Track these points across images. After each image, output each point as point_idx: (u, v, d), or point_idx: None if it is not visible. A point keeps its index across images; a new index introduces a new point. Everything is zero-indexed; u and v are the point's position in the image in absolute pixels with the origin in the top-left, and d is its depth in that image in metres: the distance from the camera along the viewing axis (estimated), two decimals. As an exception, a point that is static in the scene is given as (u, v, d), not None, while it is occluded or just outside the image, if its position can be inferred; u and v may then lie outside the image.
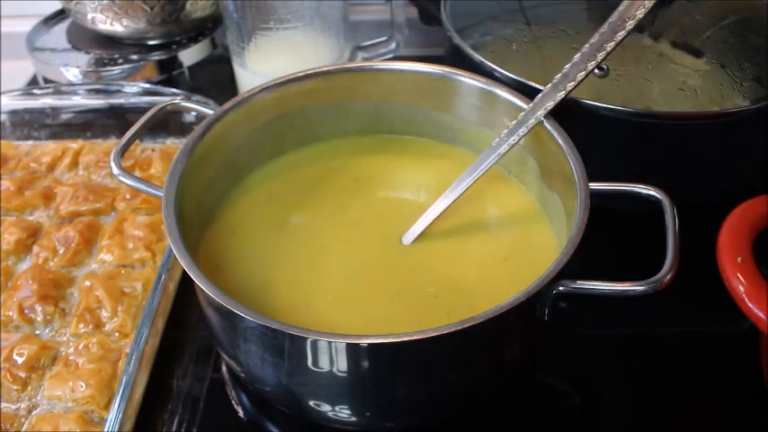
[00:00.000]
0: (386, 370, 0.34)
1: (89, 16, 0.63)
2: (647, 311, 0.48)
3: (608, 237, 0.49)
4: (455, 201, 0.43)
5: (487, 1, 0.62)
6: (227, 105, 0.44)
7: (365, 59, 0.63)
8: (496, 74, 0.48)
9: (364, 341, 0.31)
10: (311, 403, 0.37)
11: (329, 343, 0.31)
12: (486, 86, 0.46)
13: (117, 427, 0.36)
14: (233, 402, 0.44)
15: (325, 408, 0.37)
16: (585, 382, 0.45)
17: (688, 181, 0.50)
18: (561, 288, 0.34)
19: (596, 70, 0.47)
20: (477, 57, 0.50)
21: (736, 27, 0.58)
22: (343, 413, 0.37)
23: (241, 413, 0.43)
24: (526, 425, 0.43)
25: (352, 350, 0.32)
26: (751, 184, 0.47)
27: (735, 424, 0.42)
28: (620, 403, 0.44)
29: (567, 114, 0.43)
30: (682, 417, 0.43)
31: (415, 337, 0.30)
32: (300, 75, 0.46)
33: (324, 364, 0.33)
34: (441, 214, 0.43)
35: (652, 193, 0.38)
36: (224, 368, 0.44)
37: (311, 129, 0.49)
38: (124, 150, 0.41)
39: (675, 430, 0.42)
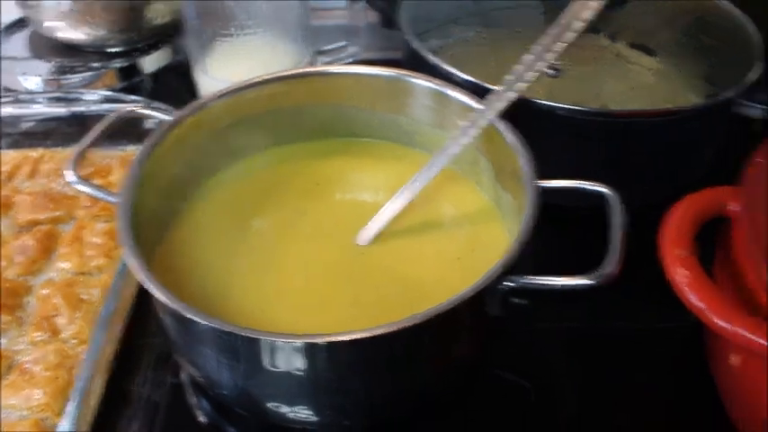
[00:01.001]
0: (334, 369, 0.34)
1: (48, 24, 0.63)
2: (603, 307, 0.49)
3: (564, 234, 0.50)
4: (409, 202, 0.43)
5: (447, 2, 0.62)
6: (183, 111, 0.44)
7: (326, 63, 0.63)
8: (453, 77, 0.49)
9: (299, 341, 0.32)
10: (269, 405, 0.37)
11: (272, 342, 0.32)
12: (437, 88, 0.46)
13: (70, 432, 0.36)
14: (193, 407, 0.44)
15: (284, 409, 0.37)
16: (540, 377, 0.46)
17: (642, 179, 0.52)
18: (510, 284, 0.35)
19: (549, 71, 0.48)
20: (433, 59, 0.50)
21: (688, 27, 0.59)
22: (302, 413, 0.37)
23: (201, 418, 0.43)
24: (482, 420, 0.43)
25: (294, 350, 0.32)
26: (705, 181, 0.48)
27: (681, 416, 0.43)
28: (572, 397, 0.44)
29: (522, 115, 0.44)
30: (631, 409, 0.44)
31: (355, 336, 0.31)
32: (256, 81, 0.47)
33: (274, 364, 0.33)
34: (395, 215, 0.43)
35: (599, 189, 0.39)
36: (183, 373, 0.44)
37: (270, 133, 0.50)
38: (79, 158, 0.41)
39: (624, 423, 0.43)
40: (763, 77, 0.50)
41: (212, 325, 0.32)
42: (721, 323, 0.32)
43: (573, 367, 0.46)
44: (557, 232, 0.45)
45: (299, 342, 0.31)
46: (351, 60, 0.65)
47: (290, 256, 0.43)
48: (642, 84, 0.53)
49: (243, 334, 0.32)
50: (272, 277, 0.42)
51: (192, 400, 0.44)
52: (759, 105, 0.49)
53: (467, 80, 0.48)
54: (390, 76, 0.47)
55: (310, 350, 0.32)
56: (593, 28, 0.56)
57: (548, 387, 0.45)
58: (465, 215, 0.46)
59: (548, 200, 0.39)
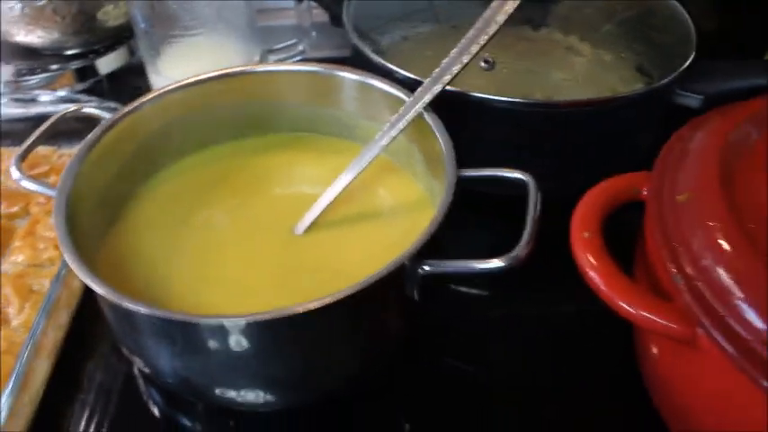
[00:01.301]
0: (256, 348, 0.36)
1: (5, 29, 0.64)
2: (539, 291, 0.51)
3: (493, 222, 0.52)
4: (341, 192, 0.45)
5: (394, 2, 0.63)
6: (125, 109, 0.46)
7: (274, 62, 0.65)
8: (394, 73, 0.51)
9: (216, 320, 0.34)
10: (217, 391, 0.39)
11: (195, 324, 0.34)
12: (366, 81, 0.48)
13: (6, 412, 0.38)
14: (144, 395, 0.46)
15: (231, 393, 0.39)
16: (476, 362, 0.48)
17: (579, 167, 0.53)
18: (426, 267, 0.36)
19: (483, 64, 0.50)
20: (373, 56, 0.52)
21: (628, 19, 0.61)
22: (248, 396, 0.39)
23: (153, 406, 0.45)
24: (416, 402, 0.46)
25: (215, 330, 0.34)
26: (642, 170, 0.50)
27: (607, 402, 0.45)
28: (504, 380, 0.47)
29: (455, 107, 0.46)
30: (561, 392, 0.46)
31: (274, 316, 0.33)
32: (191, 81, 0.49)
33: (202, 347, 0.35)
34: (328, 205, 0.45)
35: (517, 176, 0.40)
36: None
37: (213, 130, 0.51)
38: (24, 156, 0.43)
39: (554, 406, 0.45)
40: (701, 68, 0.51)
41: (142, 310, 0.34)
42: (619, 301, 0.34)
43: (509, 352, 0.49)
44: (485, 220, 0.47)
45: (216, 321, 0.34)
46: (299, 58, 0.67)
47: (229, 248, 0.45)
48: (581, 75, 0.55)
49: (167, 317, 0.34)
50: (212, 268, 0.44)
51: (144, 388, 0.46)
52: (696, 95, 0.51)
53: (407, 77, 0.50)
54: (323, 73, 0.49)
55: (228, 330, 0.34)
56: (533, 21, 0.57)
57: (482, 372, 0.47)
58: (401, 204, 0.48)
59: (478, 189, 0.41)
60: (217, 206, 0.48)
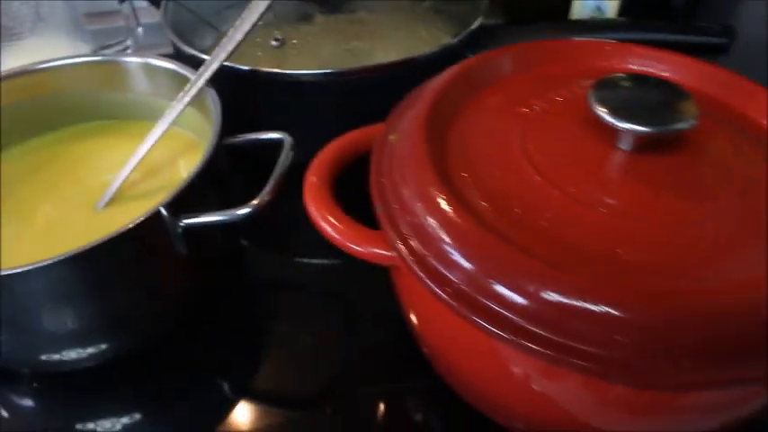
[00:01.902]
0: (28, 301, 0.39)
1: None
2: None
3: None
4: (136, 166, 0.49)
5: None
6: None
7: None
8: (197, 58, 0.54)
9: None
10: (43, 357, 0.43)
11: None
12: (156, 64, 0.53)
13: None
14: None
15: (54, 357, 0.43)
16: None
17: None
18: (185, 222, 0.41)
19: (273, 41, 0.54)
20: (180, 44, 0.57)
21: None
22: (71, 354, 0.43)
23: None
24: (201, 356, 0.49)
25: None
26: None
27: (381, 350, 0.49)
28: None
29: (247, 82, 0.51)
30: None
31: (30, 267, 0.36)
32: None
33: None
34: (124, 179, 0.49)
35: (276, 136, 0.45)
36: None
37: (33, 122, 0.55)
38: None
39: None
40: (490, 31, 0.56)
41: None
42: (330, 229, 0.38)
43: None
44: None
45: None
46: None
47: (38, 226, 0.48)
48: (357, 47, 0.59)
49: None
50: (22, 244, 0.47)
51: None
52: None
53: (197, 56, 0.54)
54: (120, 62, 0.53)
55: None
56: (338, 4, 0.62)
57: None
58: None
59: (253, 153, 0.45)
60: (32, 190, 0.51)
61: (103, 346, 0.44)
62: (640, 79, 0.37)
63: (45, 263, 0.36)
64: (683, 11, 0.69)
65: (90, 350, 0.43)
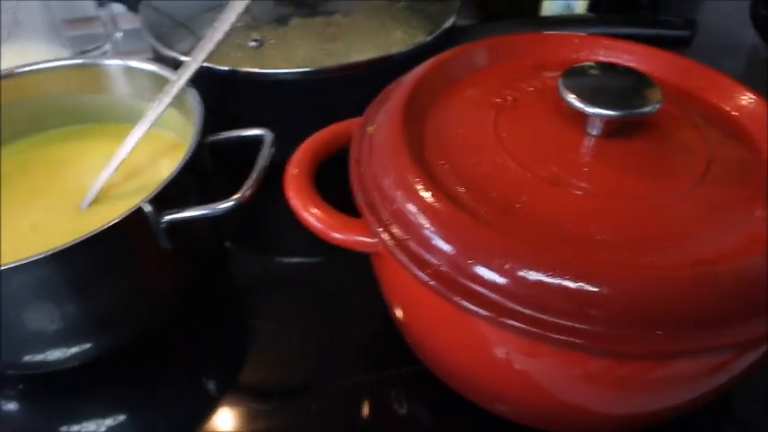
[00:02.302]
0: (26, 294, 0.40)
1: None
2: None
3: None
4: (118, 166, 0.50)
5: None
6: None
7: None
8: (177, 59, 0.55)
9: None
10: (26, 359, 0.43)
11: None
12: (136, 66, 0.54)
13: None
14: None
15: (38, 357, 0.43)
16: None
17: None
18: (168, 217, 0.41)
19: (252, 42, 0.55)
20: (159, 46, 0.57)
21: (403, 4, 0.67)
22: (54, 355, 0.43)
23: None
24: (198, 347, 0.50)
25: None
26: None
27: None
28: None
29: (227, 82, 0.52)
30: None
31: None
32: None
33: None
34: (106, 180, 0.49)
35: (256, 132, 0.46)
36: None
37: (14, 126, 0.56)
38: None
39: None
40: (462, 30, 0.58)
41: None
42: (311, 218, 0.39)
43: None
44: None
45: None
46: (107, 59, 0.71)
47: (22, 230, 0.49)
48: (332, 48, 0.60)
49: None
50: (7, 246, 0.47)
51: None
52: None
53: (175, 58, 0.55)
54: (101, 65, 0.54)
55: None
56: (315, 7, 0.63)
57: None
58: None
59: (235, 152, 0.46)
60: (18, 192, 0.52)
61: (88, 346, 0.44)
62: (607, 68, 0.39)
63: (28, 260, 0.37)
64: (647, 6, 0.72)
65: (74, 350, 0.44)
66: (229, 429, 0.45)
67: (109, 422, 0.46)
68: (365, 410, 0.46)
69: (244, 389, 0.47)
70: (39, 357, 0.43)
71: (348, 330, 0.51)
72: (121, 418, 0.46)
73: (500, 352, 0.34)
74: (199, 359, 0.50)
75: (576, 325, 0.30)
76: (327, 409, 0.45)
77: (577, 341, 0.30)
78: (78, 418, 0.46)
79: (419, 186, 0.34)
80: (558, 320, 0.30)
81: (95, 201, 0.50)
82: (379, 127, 0.39)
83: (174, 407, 0.46)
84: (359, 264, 0.42)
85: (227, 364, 0.49)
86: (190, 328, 0.51)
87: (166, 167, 0.52)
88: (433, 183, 0.34)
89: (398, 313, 0.40)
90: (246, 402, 0.46)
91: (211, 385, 0.48)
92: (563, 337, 0.30)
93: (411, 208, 0.34)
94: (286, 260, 0.58)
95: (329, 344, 0.50)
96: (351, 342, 0.50)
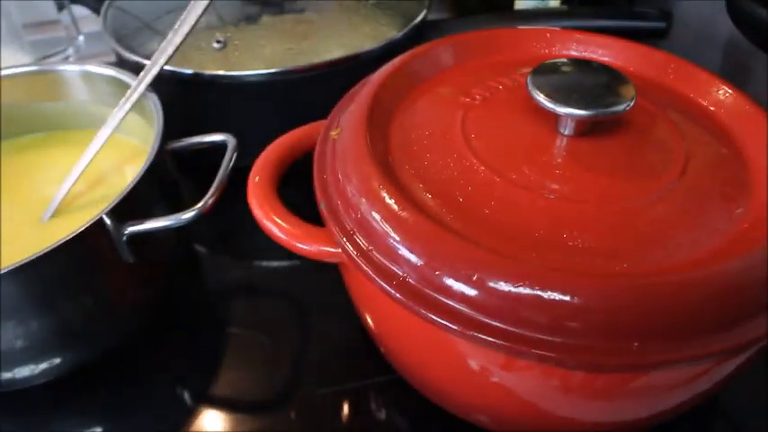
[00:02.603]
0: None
1: None
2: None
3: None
4: (80, 176, 0.48)
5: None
6: None
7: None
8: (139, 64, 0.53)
9: None
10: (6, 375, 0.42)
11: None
12: (95, 72, 0.52)
13: None
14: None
15: (6, 375, 0.42)
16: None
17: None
18: (129, 229, 0.40)
19: (216, 43, 0.54)
20: (119, 48, 0.55)
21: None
22: (41, 366, 0.42)
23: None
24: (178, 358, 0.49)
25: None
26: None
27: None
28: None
29: (190, 86, 0.50)
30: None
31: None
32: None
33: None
34: (67, 191, 0.48)
35: (219, 138, 0.44)
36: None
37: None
38: None
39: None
40: (433, 25, 0.56)
41: None
42: (272, 226, 0.37)
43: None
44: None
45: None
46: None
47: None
48: (296, 48, 0.59)
49: None
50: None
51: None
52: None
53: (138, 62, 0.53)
54: (46, 70, 0.52)
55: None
56: (281, 6, 0.61)
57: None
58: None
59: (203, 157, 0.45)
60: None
61: (57, 361, 0.43)
62: (578, 64, 0.38)
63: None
64: (623, -1, 0.70)
65: (43, 366, 0.42)
66: (208, 439, 0.42)
67: (86, 436, 0.43)
68: (344, 418, 0.45)
69: (220, 398, 0.46)
70: (7, 376, 0.42)
71: (326, 337, 0.50)
72: (98, 431, 0.45)
73: (472, 365, 0.33)
74: (174, 369, 0.48)
75: (550, 338, 0.29)
76: (306, 416, 0.45)
77: (551, 355, 0.28)
78: (55, 435, 0.43)
79: (383, 193, 0.33)
80: (530, 333, 0.29)
81: (58, 211, 0.48)
82: (342, 131, 0.38)
83: (150, 418, 0.45)
84: (337, 269, 0.40)
85: (203, 374, 0.48)
86: (163, 337, 0.50)
87: (131, 175, 0.49)
88: (397, 189, 0.33)
89: (368, 324, 0.39)
90: (224, 411, 0.45)
91: (188, 395, 0.47)
92: (536, 351, 0.29)
93: (375, 216, 0.32)
94: (264, 264, 0.56)
95: (307, 351, 0.49)
96: (329, 349, 0.49)
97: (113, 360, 0.47)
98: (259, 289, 0.54)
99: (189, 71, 0.51)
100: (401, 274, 0.31)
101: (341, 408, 0.45)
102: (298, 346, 0.49)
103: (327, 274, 0.47)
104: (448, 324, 0.30)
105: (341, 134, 0.38)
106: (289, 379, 0.47)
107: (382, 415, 0.45)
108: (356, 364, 0.48)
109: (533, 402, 0.33)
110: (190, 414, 0.45)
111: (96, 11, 0.64)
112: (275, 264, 0.56)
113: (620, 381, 0.31)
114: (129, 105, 0.47)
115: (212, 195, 0.40)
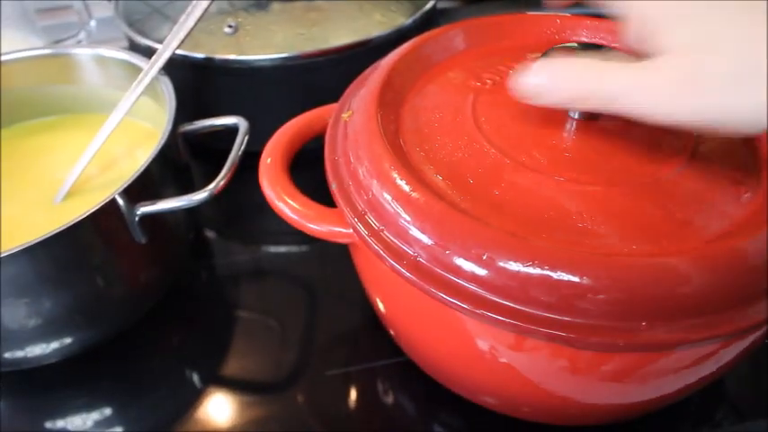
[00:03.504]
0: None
1: None
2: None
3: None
4: (92, 158, 0.48)
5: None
6: None
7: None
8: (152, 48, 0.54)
9: None
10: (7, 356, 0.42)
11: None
12: (108, 56, 0.52)
13: None
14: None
15: (18, 353, 0.42)
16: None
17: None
18: (141, 210, 0.40)
19: (227, 28, 0.54)
20: (134, 35, 0.55)
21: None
22: (36, 349, 0.43)
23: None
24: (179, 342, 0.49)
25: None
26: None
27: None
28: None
29: (202, 70, 0.51)
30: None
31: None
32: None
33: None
34: (80, 173, 0.48)
35: (231, 121, 0.44)
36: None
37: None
38: None
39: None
40: (443, 12, 0.56)
41: None
42: (284, 207, 0.37)
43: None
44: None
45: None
46: (82, 47, 0.69)
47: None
48: (307, 33, 0.59)
49: None
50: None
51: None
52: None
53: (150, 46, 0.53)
54: (60, 54, 0.52)
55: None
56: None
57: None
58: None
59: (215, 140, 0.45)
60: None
61: (68, 341, 0.43)
62: (589, 48, 0.38)
63: (2, 255, 0.35)
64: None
65: (54, 345, 0.43)
66: (216, 420, 0.44)
67: (95, 416, 0.45)
68: (351, 400, 0.45)
69: (229, 379, 0.47)
70: (19, 354, 0.42)
71: (333, 320, 0.50)
72: (107, 411, 0.45)
73: (481, 344, 0.33)
74: (183, 351, 0.49)
75: (558, 317, 0.29)
76: (314, 398, 0.45)
77: (560, 334, 0.29)
78: (63, 414, 0.45)
79: (394, 174, 0.33)
80: (539, 312, 0.29)
81: (70, 193, 0.49)
82: (353, 113, 0.38)
83: (159, 399, 0.46)
84: (345, 253, 0.40)
85: (212, 356, 0.48)
86: (173, 319, 0.50)
87: (142, 158, 0.50)
88: (408, 170, 0.33)
89: (378, 305, 0.39)
90: (232, 393, 0.46)
91: (196, 377, 0.47)
92: (545, 330, 0.29)
93: (386, 197, 0.33)
94: (272, 249, 0.57)
95: (315, 334, 0.49)
96: (336, 332, 0.49)
97: (123, 341, 0.48)
98: (267, 273, 0.55)
99: (200, 56, 0.51)
100: (412, 253, 0.31)
101: (348, 390, 0.45)
102: (306, 329, 0.50)
103: (335, 258, 0.47)
104: (458, 303, 0.30)
105: (352, 116, 0.38)
106: (296, 362, 0.47)
107: (389, 398, 0.45)
108: (363, 347, 0.48)
109: (541, 384, 0.34)
110: (198, 396, 0.46)
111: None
112: (283, 248, 0.56)
113: (627, 361, 0.31)
114: (141, 88, 0.48)
115: (224, 177, 0.40)
